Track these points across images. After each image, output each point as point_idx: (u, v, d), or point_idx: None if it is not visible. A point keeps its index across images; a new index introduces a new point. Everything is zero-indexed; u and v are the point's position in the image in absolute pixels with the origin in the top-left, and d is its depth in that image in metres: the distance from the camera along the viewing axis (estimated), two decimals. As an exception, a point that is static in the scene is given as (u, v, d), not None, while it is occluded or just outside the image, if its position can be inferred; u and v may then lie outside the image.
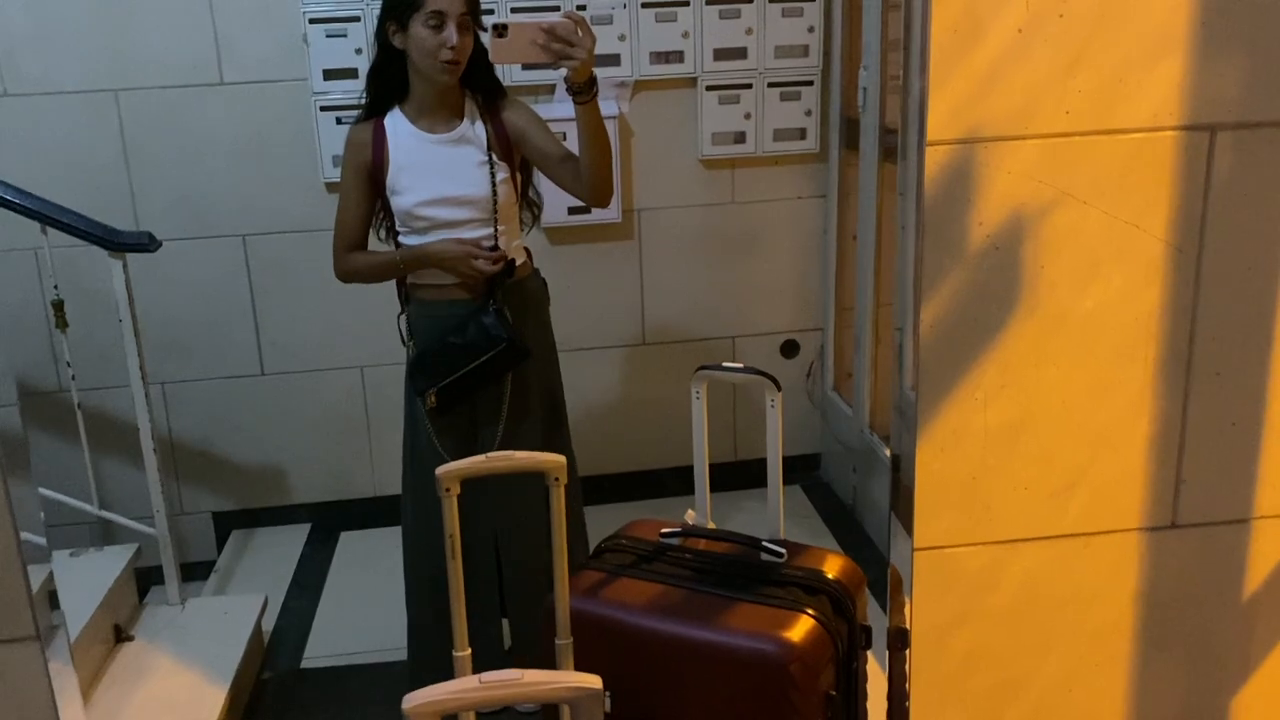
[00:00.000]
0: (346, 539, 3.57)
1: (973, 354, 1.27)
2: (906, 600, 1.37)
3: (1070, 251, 1.24)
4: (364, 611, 3.10)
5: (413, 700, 0.97)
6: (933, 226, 1.21)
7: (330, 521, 3.63)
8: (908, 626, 1.37)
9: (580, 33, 2.11)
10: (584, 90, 2.20)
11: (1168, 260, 1.26)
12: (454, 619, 1.53)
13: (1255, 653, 1.42)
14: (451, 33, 2.23)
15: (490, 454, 1.51)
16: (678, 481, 3.27)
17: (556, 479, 1.50)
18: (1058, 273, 1.25)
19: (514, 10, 3.25)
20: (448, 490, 1.47)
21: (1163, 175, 1.23)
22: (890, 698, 1.47)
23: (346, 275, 2.49)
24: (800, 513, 3.62)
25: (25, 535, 1.22)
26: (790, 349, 3.76)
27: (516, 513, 2.46)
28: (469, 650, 1.55)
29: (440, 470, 1.46)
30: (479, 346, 2.34)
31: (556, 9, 3.21)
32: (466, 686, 0.98)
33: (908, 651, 1.38)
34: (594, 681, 0.98)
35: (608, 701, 1.78)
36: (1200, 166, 1.23)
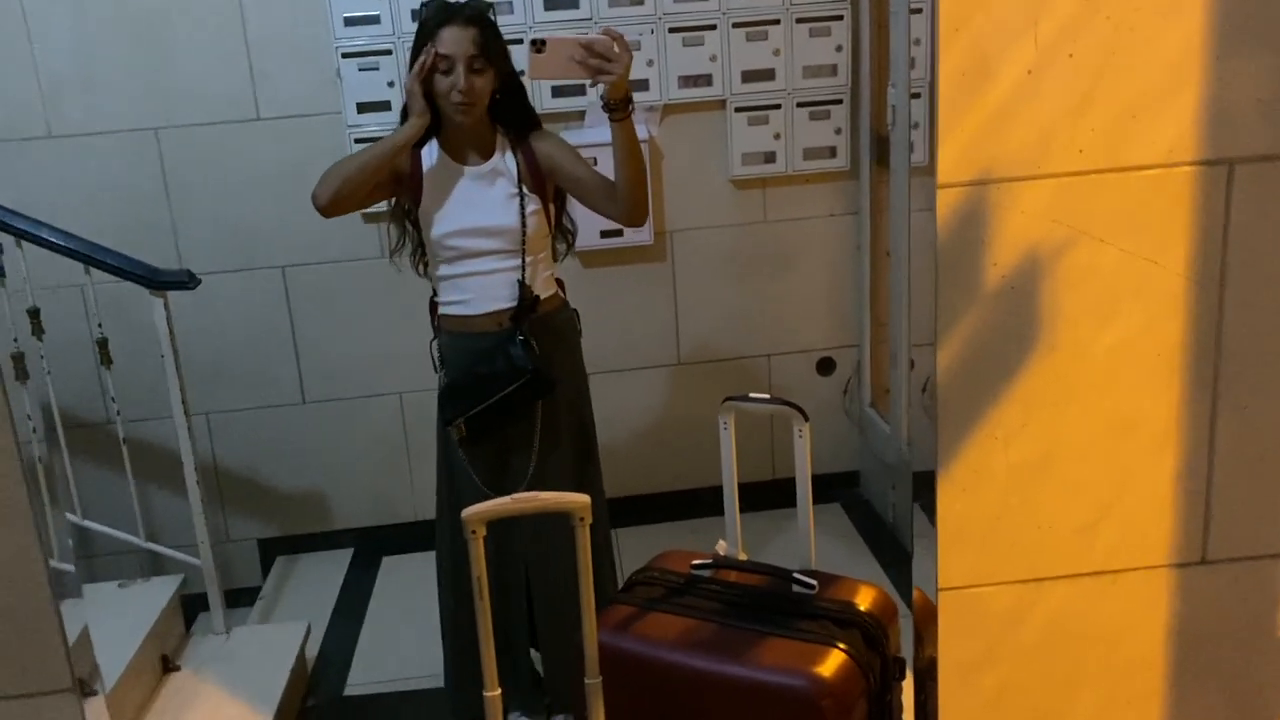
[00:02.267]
0: (389, 564, 3.61)
1: (992, 393, 1.26)
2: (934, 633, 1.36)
3: (1088, 289, 1.23)
4: (406, 637, 3.13)
5: None
6: (947, 268, 1.21)
7: (373, 546, 3.67)
8: (936, 658, 1.37)
9: (618, 49, 2.13)
10: (620, 107, 2.22)
11: (1188, 295, 1.24)
12: (483, 659, 1.54)
13: (1292, 688, 1.39)
14: (459, 76, 2.25)
15: (516, 495, 1.52)
16: (715, 500, 3.24)
17: (581, 519, 1.51)
18: (1076, 310, 1.24)
19: (542, 29, 3.28)
20: (474, 533, 1.48)
21: (1180, 211, 1.21)
22: (920, 734, 1.46)
23: (324, 187, 2.34)
24: (839, 531, 3.61)
25: (55, 564, 1.24)
26: (826, 366, 3.74)
27: (546, 546, 2.48)
28: (499, 691, 1.56)
29: (466, 513, 1.48)
30: (505, 377, 2.36)
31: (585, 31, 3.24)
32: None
33: (935, 684, 1.37)
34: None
35: (640, 736, 1.78)
36: (1219, 201, 1.21)
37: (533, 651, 2.63)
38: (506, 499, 1.51)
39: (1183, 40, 1.17)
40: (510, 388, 2.35)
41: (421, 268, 2.51)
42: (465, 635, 2.48)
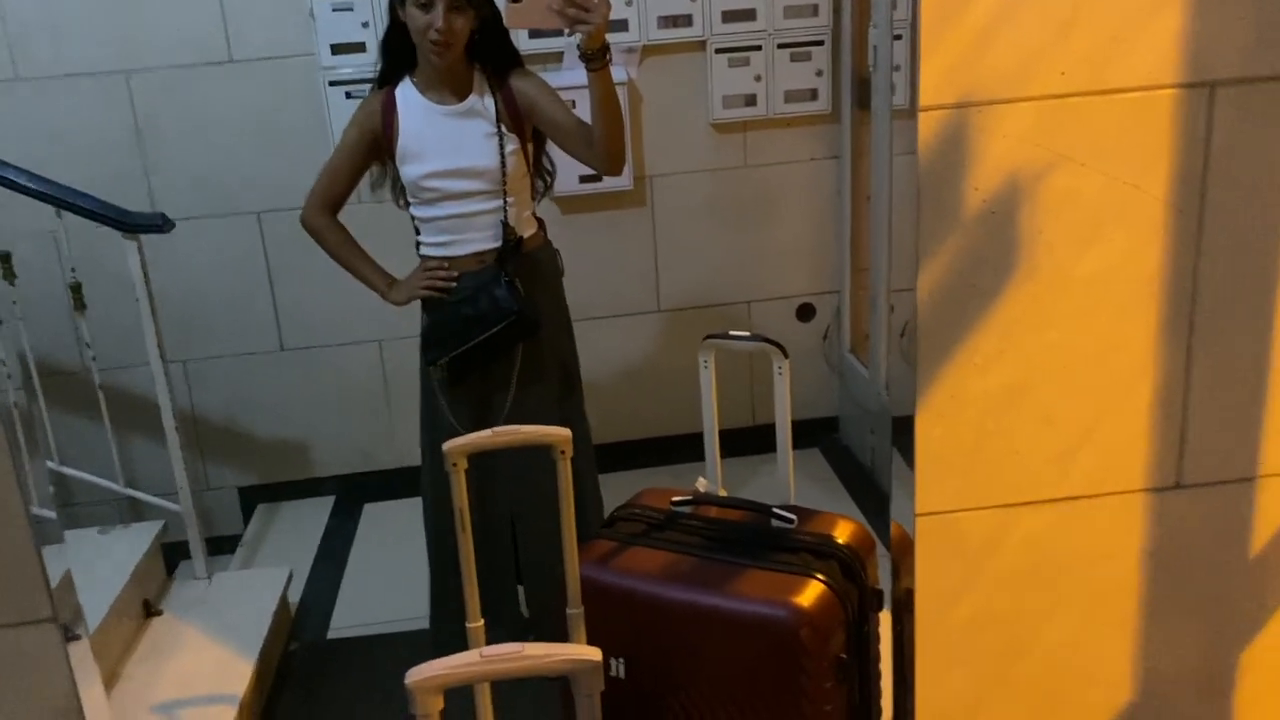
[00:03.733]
0: (370, 510, 3.62)
1: (971, 319, 1.27)
2: (911, 563, 1.38)
3: (1069, 214, 1.23)
4: (388, 582, 3.15)
5: (415, 675, 0.99)
6: (928, 193, 1.21)
7: (354, 494, 3.67)
8: (913, 589, 1.38)
9: None
10: (597, 57, 2.20)
11: (1169, 220, 1.24)
12: (466, 591, 1.55)
13: (1264, 609, 1.42)
14: (438, 15, 2.22)
15: (496, 429, 1.52)
16: (695, 447, 3.26)
17: (563, 452, 1.52)
18: (1056, 236, 1.24)
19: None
20: (454, 465, 1.48)
21: (1162, 134, 1.21)
22: (895, 660, 1.48)
23: (315, 232, 2.53)
24: (819, 475, 3.63)
25: (36, 511, 1.24)
26: (806, 313, 3.75)
27: (531, 482, 2.48)
28: (481, 621, 1.58)
29: (447, 446, 1.48)
30: (490, 318, 2.36)
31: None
32: (468, 661, 0.99)
33: (912, 615, 1.39)
34: (592, 654, 1.00)
35: (622, 668, 1.80)
36: (1201, 124, 1.21)
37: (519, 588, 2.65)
38: (487, 432, 1.51)
39: (1166, -40, 1.16)
40: (495, 328, 2.35)
41: (403, 203, 2.50)
42: (449, 569, 2.50)
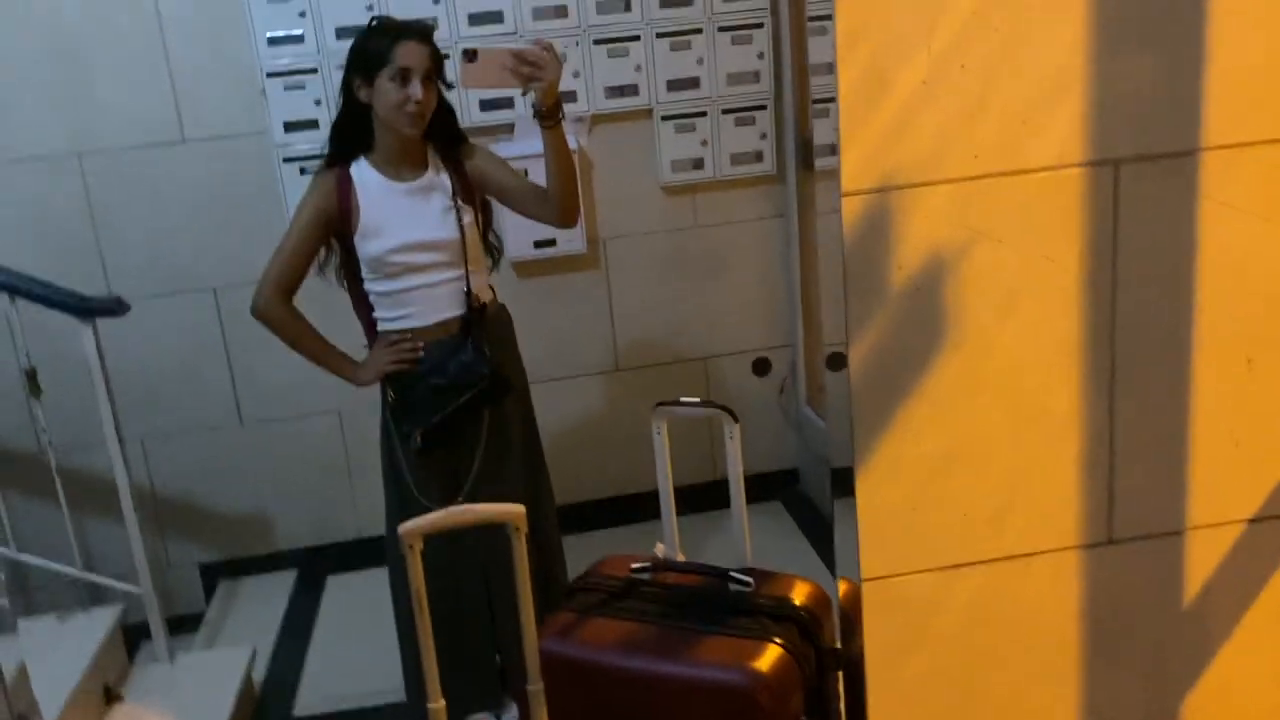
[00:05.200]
0: (333, 583, 3.60)
1: (903, 389, 1.32)
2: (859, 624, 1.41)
3: (989, 287, 1.29)
4: (354, 656, 3.13)
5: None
6: (854, 272, 1.26)
7: (316, 567, 3.66)
8: (862, 649, 1.42)
9: (548, 57, 2.19)
10: (551, 114, 2.29)
11: (1083, 289, 1.31)
12: (425, 670, 1.56)
13: (1202, 657, 1.47)
14: (416, 87, 2.30)
15: (450, 509, 1.55)
16: (658, 505, 3.31)
17: (517, 529, 1.54)
18: (979, 308, 1.30)
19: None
20: (410, 547, 1.50)
21: (1071, 210, 1.28)
22: (850, 717, 1.51)
23: (273, 324, 2.52)
24: (781, 528, 3.67)
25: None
26: (762, 366, 3.81)
27: (503, 551, 2.50)
28: (442, 702, 1.59)
29: (402, 529, 1.50)
30: (461, 384, 2.39)
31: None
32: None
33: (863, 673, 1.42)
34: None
35: (585, 739, 1.81)
36: (1108, 199, 1.28)
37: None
38: (441, 512, 1.53)
39: (1068, 45, 1.23)
40: (468, 394, 2.38)
41: (344, 282, 2.52)
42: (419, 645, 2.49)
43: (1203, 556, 1.41)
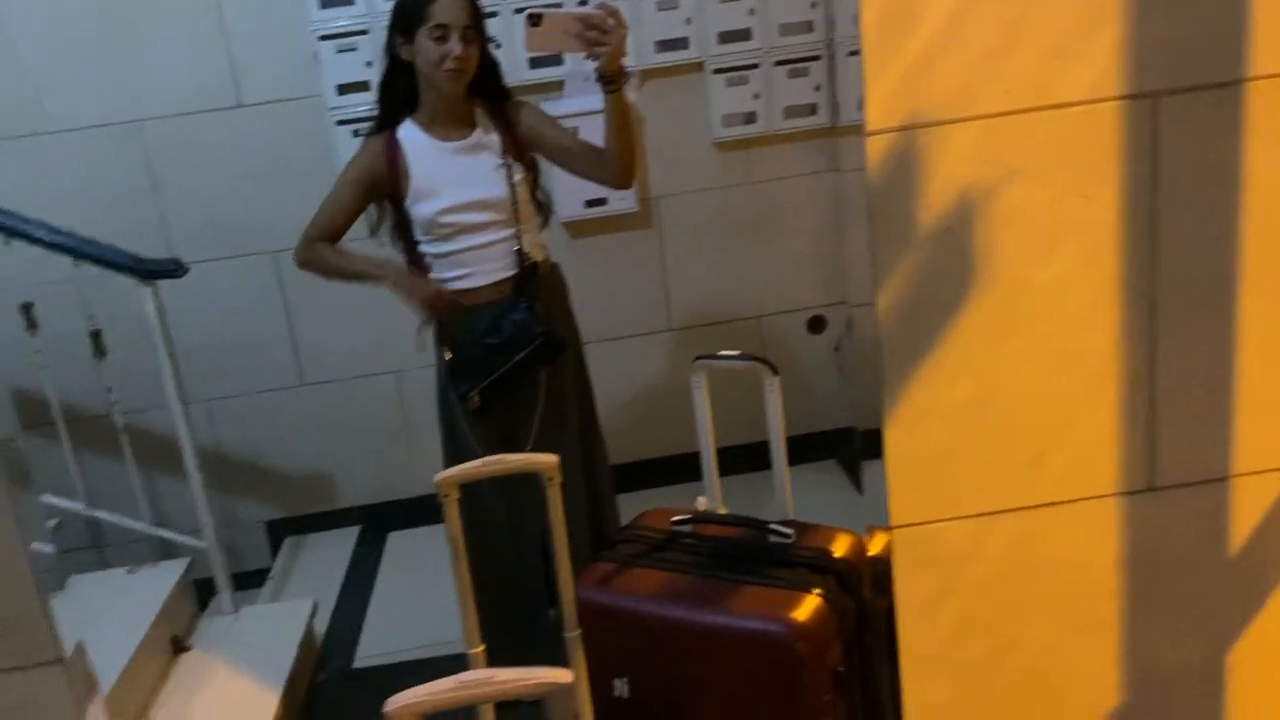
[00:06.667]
0: (394, 539, 3.68)
1: (934, 334, 1.29)
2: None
3: (1022, 227, 1.25)
4: (413, 609, 3.20)
5: (394, 703, 1.03)
6: (881, 214, 1.23)
7: (378, 523, 3.74)
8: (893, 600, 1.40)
9: (613, 22, 2.17)
10: (614, 79, 2.27)
11: (1121, 227, 1.26)
12: (463, 619, 1.59)
13: (1248, 608, 1.42)
14: (455, 44, 2.30)
15: (485, 459, 1.56)
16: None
17: (550, 479, 1.55)
18: (1012, 249, 1.26)
19: (516, 11, 3.29)
20: (446, 496, 1.53)
21: (1109, 145, 1.23)
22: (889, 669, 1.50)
23: (307, 263, 2.54)
24: (837, 486, 3.65)
25: (36, 547, 1.29)
26: (817, 324, 3.77)
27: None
28: (482, 647, 1.62)
29: (437, 478, 1.53)
30: (516, 343, 2.40)
31: (559, 5, 3.25)
32: (443, 687, 1.03)
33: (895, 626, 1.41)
34: (563, 676, 1.03)
35: (626, 687, 1.83)
36: (1146, 134, 1.23)
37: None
38: (476, 462, 1.55)
39: (1102, -24, 1.18)
40: (523, 352, 2.39)
41: (402, 245, 2.55)
42: (479, 595, 2.54)
43: (1249, 504, 1.37)
